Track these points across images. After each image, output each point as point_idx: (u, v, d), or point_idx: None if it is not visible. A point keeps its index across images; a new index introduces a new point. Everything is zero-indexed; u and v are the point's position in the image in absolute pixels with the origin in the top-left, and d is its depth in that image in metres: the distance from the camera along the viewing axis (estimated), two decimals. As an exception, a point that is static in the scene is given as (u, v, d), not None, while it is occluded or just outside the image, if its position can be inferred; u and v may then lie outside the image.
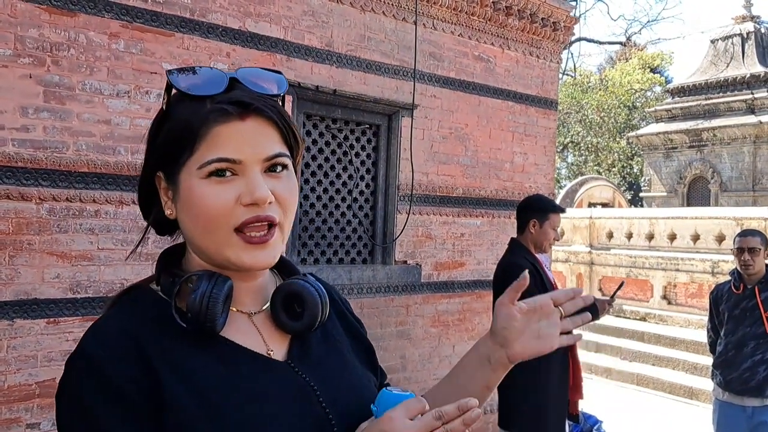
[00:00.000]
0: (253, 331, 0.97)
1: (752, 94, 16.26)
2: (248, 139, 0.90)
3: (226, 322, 0.92)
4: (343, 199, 5.07)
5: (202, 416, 0.84)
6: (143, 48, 3.97)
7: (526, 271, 1.11)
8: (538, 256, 3.86)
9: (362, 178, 5.18)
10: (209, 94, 0.91)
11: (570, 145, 29.10)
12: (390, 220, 5.24)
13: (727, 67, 17.31)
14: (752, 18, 17.90)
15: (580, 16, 19.17)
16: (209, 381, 0.87)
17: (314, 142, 4.91)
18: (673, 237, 10.95)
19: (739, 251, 4.12)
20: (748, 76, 16.59)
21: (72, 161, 3.72)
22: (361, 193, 5.19)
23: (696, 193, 17.16)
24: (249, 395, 0.89)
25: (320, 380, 0.96)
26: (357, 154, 5.14)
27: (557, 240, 3.96)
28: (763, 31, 17.76)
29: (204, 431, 0.84)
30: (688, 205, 16.40)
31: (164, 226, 1.00)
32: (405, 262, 5.34)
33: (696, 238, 10.35)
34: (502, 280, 3.82)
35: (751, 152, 16.11)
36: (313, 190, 4.91)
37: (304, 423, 0.91)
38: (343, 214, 5.07)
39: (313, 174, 4.91)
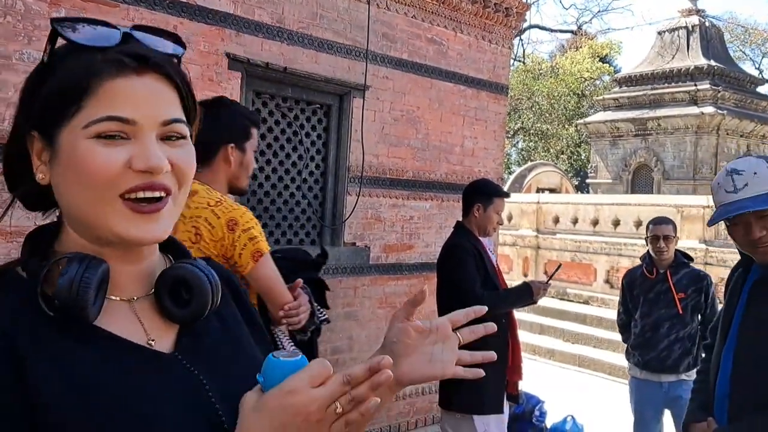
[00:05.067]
0: (133, 320, 0.87)
1: (695, 85, 16.69)
2: (145, 98, 0.81)
3: (102, 311, 0.81)
4: (293, 180, 5.01)
5: (78, 416, 0.75)
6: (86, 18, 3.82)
7: (426, 287, 1.03)
8: (482, 239, 3.91)
9: (312, 158, 5.13)
10: (102, 45, 0.81)
11: (520, 131, 29.45)
12: (339, 202, 5.20)
13: (673, 58, 17.71)
14: (697, 11, 18.33)
15: (532, 3, 19.32)
16: (86, 377, 0.77)
17: (263, 120, 4.82)
18: (617, 223, 11.21)
19: (654, 239, 4.35)
20: (692, 68, 17.01)
21: (8, 133, 3.57)
22: (311, 173, 5.14)
23: (640, 181, 17.57)
24: (129, 391, 0.79)
25: (211, 372, 0.88)
26: (307, 134, 5.09)
27: (501, 224, 4.01)
28: (707, 24, 18.21)
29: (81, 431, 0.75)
30: (632, 192, 16.80)
31: (35, 199, 0.88)
32: (354, 243, 5.32)
33: (639, 224, 10.62)
34: (444, 262, 3.87)
35: (693, 142, 16.56)
36: (261, 169, 4.83)
37: (191, 419, 0.83)
38: (292, 195, 5.02)
39: (262, 153, 4.83)
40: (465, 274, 3.66)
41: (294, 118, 4.99)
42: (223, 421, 0.85)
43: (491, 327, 1.04)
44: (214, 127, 2.43)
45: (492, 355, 1.04)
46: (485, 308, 1.05)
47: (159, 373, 0.84)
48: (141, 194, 0.81)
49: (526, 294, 3.76)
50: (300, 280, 2.50)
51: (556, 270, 3.94)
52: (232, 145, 2.51)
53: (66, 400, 0.75)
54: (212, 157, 2.49)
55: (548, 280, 3.84)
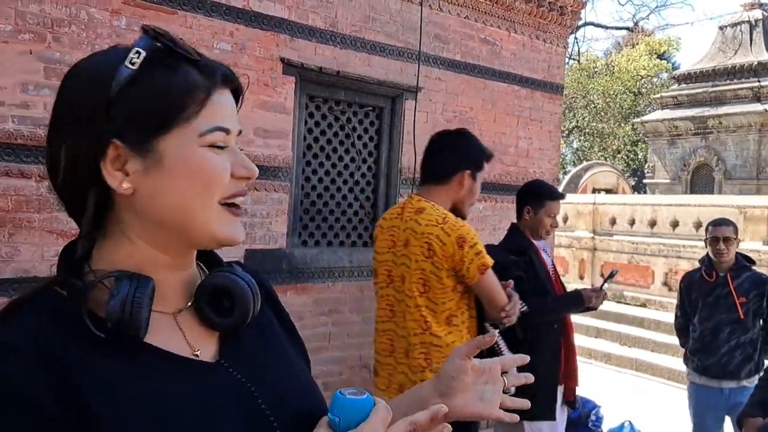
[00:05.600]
0: (176, 332, 0.87)
1: (759, 82, 16.13)
2: (231, 111, 0.88)
3: None
4: (345, 182, 5.05)
5: None
6: (145, 26, 3.92)
7: (496, 331, 1.10)
8: (538, 242, 3.85)
9: (364, 161, 5.15)
10: (194, 57, 0.85)
11: (575, 130, 28.99)
12: (391, 204, 5.21)
13: (735, 54, 17.16)
14: (761, 5, 17.74)
15: (587, 0, 18.99)
16: (136, 393, 0.77)
17: (317, 124, 4.87)
18: (675, 224, 10.92)
19: (714, 240, 4.22)
20: (755, 63, 16.45)
21: (73, 139, 3.69)
22: (363, 175, 5.16)
23: (700, 181, 17.10)
24: (181, 404, 0.80)
25: (257, 379, 0.89)
26: (359, 137, 5.11)
27: (555, 227, 3.93)
28: (771, 18, 17.60)
29: None
30: (692, 192, 16.35)
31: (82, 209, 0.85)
32: (406, 245, 5.32)
33: (699, 225, 10.32)
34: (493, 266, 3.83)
35: (756, 140, 16.03)
36: (314, 172, 4.88)
37: (245, 427, 0.84)
38: (344, 197, 5.05)
39: (315, 156, 4.88)
40: (517, 284, 3.63)
41: (346, 121, 5.02)
42: (275, 426, 0.86)
43: (530, 378, 1.12)
44: (456, 153, 2.86)
45: (526, 403, 1.11)
46: (528, 358, 1.11)
47: (211, 384, 0.85)
48: (236, 200, 0.86)
49: (577, 302, 3.68)
50: (511, 282, 2.84)
51: (610, 276, 3.81)
52: (469, 171, 2.84)
53: (118, 419, 0.74)
54: (449, 178, 2.84)
55: (601, 286, 3.74)
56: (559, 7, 6.11)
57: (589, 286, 3.91)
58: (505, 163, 5.88)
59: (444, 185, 2.83)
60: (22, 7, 3.52)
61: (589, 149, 29.83)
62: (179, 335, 0.87)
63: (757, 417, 2.27)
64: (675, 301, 4.78)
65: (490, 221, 5.79)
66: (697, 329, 4.32)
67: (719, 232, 4.21)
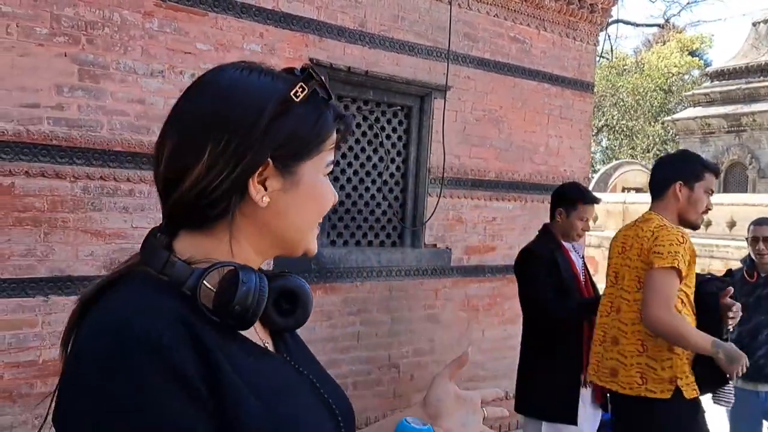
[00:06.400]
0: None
1: (794, 78, 15.79)
2: None
3: None
4: (373, 182, 5.04)
5: (258, 410, 0.82)
6: (177, 27, 3.97)
7: (469, 348, 1.13)
8: (569, 243, 3.83)
9: (393, 160, 5.14)
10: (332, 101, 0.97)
11: (604, 128, 28.68)
12: (420, 203, 5.20)
13: (769, 50, 16.82)
14: (797, -1, 17.36)
15: (617, -4, 18.73)
16: (252, 375, 0.85)
17: (346, 123, 4.87)
18: (708, 223, 10.74)
19: (754, 240, 4.15)
20: (790, 59, 16.10)
21: (106, 140, 3.74)
22: (392, 175, 5.15)
23: (733, 179, 16.79)
24: (283, 388, 0.90)
25: (309, 370, 0.98)
26: (388, 136, 5.10)
27: (586, 230, 3.90)
28: (807, 13, 17.20)
29: (261, 426, 0.82)
30: (725, 191, 16.06)
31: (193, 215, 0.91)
32: (435, 245, 5.30)
33: (732, 225, 10.16)
34: (519, 266, 3.83)
35: (792, 138, 15.69)
36: (343, 172, 4.88)
37: (323, 413, 0.95)
38: (372, 197, 5.04)
39: (344, 156, 4.88)
40: (535, 284, 3.65)
41: (375, 120, 5.02)
42: (334, 408, 0.96)
43: (506, 413, 1.16)
44: (668, 169, 3.11)
45: (504, 412, 1.16)
46: (501, 392, 1.21)
47: (287, 372, 0.95)
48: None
49: (590, 311, 3.63)
50: (731, 289, 3.08)
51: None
52: (681, 182, 3.01)
53: (246, 395, 0.82)
54: (663, 193, 3.06)
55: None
56: (590, 4, 6.04)
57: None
58: (535, 162, 5.83)
59: (662, 200, 3.07)
60: (57, 11, 3.57)
61: (618, 148, 29.49)
62: (252, 329, 0.92)
63: None
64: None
65: (520, 221, 5.75)
66: (735, 330, 4.25)
67: (759, 231, 4.14)
